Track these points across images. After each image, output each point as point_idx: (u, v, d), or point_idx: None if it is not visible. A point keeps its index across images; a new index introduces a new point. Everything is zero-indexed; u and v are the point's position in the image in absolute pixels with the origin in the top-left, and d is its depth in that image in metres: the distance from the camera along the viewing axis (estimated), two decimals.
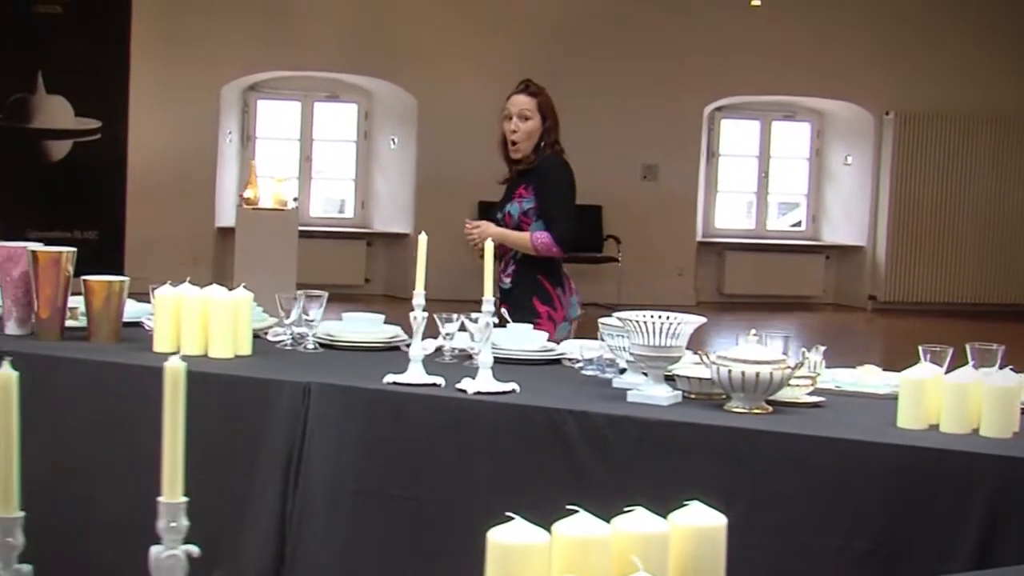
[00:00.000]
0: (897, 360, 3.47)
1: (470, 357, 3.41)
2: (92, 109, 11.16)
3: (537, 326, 3.92)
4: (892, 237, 12.72)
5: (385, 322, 3.76)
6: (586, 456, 2.90)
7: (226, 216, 12.01)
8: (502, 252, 4.39)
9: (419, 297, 3.14)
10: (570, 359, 3.51)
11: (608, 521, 1.52)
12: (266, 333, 3.72)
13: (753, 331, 3.04)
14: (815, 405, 3.09)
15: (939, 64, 12.61)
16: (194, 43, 11.43)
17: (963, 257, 12.80)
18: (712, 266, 12.88)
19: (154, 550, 1.45)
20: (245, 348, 3.43)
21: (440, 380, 3.10)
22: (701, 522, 1.55)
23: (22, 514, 1.33)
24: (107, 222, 10.82)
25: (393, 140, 12.02)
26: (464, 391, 3.04)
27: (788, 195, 13.65)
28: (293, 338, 3.59)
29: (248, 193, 9.13)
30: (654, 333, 2.99)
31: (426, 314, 3.15)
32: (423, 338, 3.19)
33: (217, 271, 10.76)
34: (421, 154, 11.90)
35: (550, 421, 2.94)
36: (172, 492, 1.44)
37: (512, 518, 1.47)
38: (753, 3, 11.27)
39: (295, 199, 9.15)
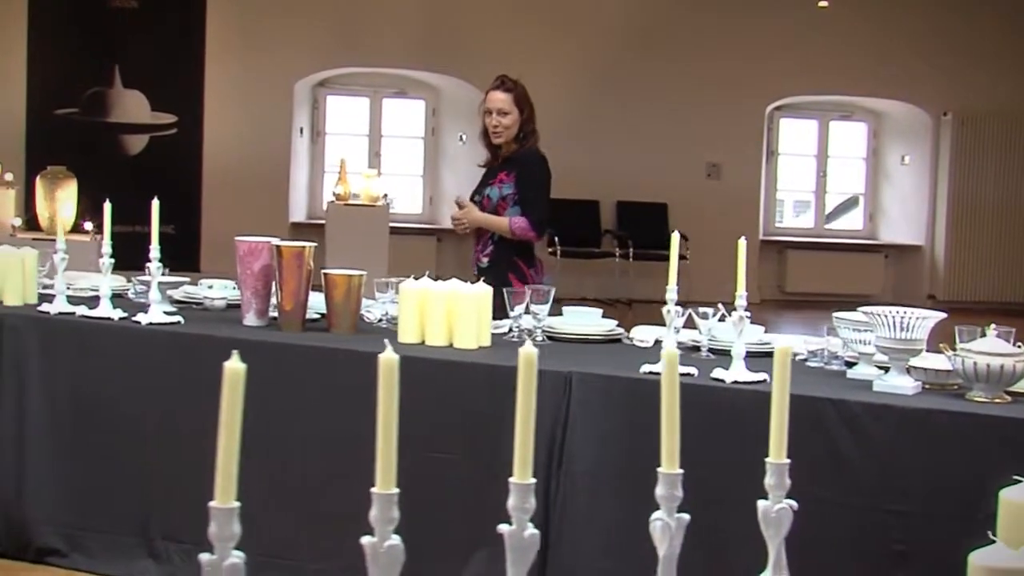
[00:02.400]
0: None
1: (697, 349, 3.59)
2: (168, 104, 11.34)
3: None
4: (950, 236, 12.88)
5: None
6: (845, 442, 3.07)
7: (297, 211, 12.18)
8: (480, 234, 4.83)
9: (671, 292, 3.32)
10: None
11: None
12: None
13: (993, 325, 3.22)
14: None
15: (997, 66, 12.75)
16: (268, 39, 11.59)
17: (1021, 256, 12.96)
18: (773, 263, 13.04)
19: (366, 540, 1.43)
20: (486, 339, 3.60)
21: (694, 370, 3.27)
22: None
23: (238, 504, 1.33)
24: (183, 216, 10.96)
25: (462, 137, 12.17)
26: (721, 380, 3.21)
27: (844, 194, 13.79)
28: (520, 330, 3.77)
29: (338, 189, 9.29)
30: (899, 327, 3.17)
31: (679, 308, 3.34)
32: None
33: None
34: None
35: (808, 409, 3.10)
36: (386, 483, 1.41)
37: None
38: (820, 4, 11.43)
39: (385, 195, 9.29)
